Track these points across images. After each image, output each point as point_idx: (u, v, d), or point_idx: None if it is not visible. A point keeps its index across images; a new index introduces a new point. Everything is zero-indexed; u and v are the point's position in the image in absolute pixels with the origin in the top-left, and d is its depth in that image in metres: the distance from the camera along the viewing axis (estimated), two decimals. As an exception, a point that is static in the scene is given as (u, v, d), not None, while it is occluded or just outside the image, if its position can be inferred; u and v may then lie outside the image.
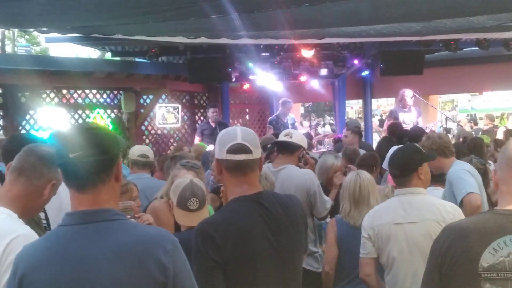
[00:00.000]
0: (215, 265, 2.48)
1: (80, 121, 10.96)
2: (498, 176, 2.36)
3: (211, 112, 11.45)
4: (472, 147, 6.73)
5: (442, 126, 14.54)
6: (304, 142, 5.24)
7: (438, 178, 4.90)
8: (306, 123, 17.78)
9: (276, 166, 5.08)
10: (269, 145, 6.51)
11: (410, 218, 3.56)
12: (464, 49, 11.13)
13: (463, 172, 4.69)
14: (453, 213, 3.55)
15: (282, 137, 5.19)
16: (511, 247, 2.19)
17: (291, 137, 5.12)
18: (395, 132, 8.69)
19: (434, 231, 3.34)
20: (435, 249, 2.37)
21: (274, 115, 11.99)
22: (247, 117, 14.83)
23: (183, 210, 3.56)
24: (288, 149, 5.12)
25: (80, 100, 11.39)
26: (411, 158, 3.78)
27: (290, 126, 11.11)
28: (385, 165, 5.93)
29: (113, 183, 2.06)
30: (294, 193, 4.62)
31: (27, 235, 2.40)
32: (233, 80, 11.45)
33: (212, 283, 2.48)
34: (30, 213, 2.77)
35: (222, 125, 10.75)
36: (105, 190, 2.03)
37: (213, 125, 11.15)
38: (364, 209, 4.27)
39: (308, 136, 9.71)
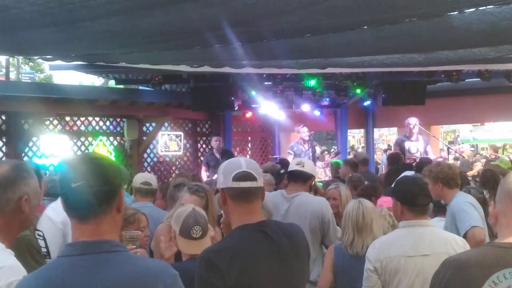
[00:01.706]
0: None
1: (83, 148, 10.98)
2: (497, 209, 2.36)
3: (214, 141, 11.48)
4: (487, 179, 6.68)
5: (455, 154, 14.49)
6: (315, 172, 5.31)
7: (443, 209, 4.90)
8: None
9: (289, 193, 5.13)
10: (282, 171, 6.54)
11: (422, 251, 3.49)
12: (466, 80, 11.18)
13: (466, 205, 4.68)
14: (464, 247, 3.50)
15: (294, 166, 5.23)
16: (510, 280, 2.18)
17: (303, 166, 5.16)
18: (394, 161, 8.71)
19: None
20: (435, 283, 2.36)
21: (295, 141, 12.02)
22: (249, 145, 14.86)
23: (186, 238, 3.54)
24: (301, 178, 5.16)
25: (83, 128, 11.41)
26: (427, 190, 3.78)
27: (309, 154, 11.15)
28: (389, 193, 5.92)
29: (115, 214, 2.05)
30: (310, 219, 4.77)
31: (12, 266, 2.34)
32: (236, 108, 11.49)
33: None
34: (17, 233, 2.68)
35: (227, 153, 10.79)
36: (107, 221, 2.01)
37: (217, 155, 11.16)
38: (367, 237, 4.23)
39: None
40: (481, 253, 2.32)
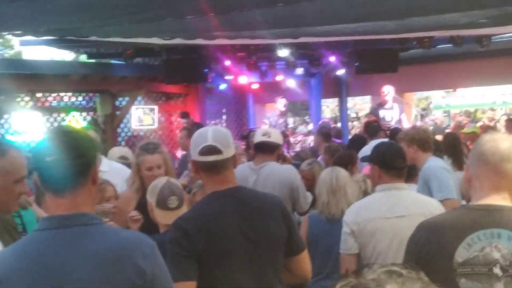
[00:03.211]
0: (188, 254, 2.59)
1: (56, 124, 10.87)
2: (471, 171, 2.41)
3: (183, 123, 11.42)
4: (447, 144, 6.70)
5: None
6: (281, 141, 5.32)
7: (409, 174, 4.95)
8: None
9: (257, 164, 5.13)
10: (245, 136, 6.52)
11: (398, 212, 3.56)
12: (438, 46, 11.24)
13: (440, 171, 4.73)
14: (439, 209, 3.58)
15: (260, 137, 5.22)
16: (484, 242, 2.23)
17: (269, 136, 5.16)
18: (371, 130, 8.76)
19: None
20: (410, 246, 2.41)
21: (271, 112, 12.05)
22: (224, 117, 14.84)
23: (163, 209, 3.55)
24: (267, 148, 5.17)
25: (55, 103, 11.29)
26: (404, 154, 3.84)
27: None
28: (362, 159, 5.98)
29: (90, 186, 2.05)
30: (279, 188, 4.78)
31: None
32: (210, 80, 11.44)
33: (184, 268, 2.57)
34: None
35: (199, 126, 10.74)
36: (83, 193, 2.01)
37: None
38: (341, 199, 4.33)
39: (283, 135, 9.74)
40: (455, 216, 2.38)
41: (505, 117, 13.75)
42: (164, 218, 3.56)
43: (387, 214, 3.59)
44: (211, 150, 2.71)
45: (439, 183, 4.63)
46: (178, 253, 2.57)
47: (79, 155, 1.98)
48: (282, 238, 2.80)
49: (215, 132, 2.77)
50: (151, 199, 3.64)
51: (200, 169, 2.79)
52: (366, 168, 5.00)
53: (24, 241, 2.06)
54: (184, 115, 11.85)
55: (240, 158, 5.74)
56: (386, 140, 6.70)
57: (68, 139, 1.99)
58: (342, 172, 4.58)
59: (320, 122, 12.14)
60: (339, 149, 7.08)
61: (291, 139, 11.53)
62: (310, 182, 5.59)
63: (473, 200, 2.38)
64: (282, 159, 5.49)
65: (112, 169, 5.03)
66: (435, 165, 4.82)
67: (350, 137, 12.15)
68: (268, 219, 2.77)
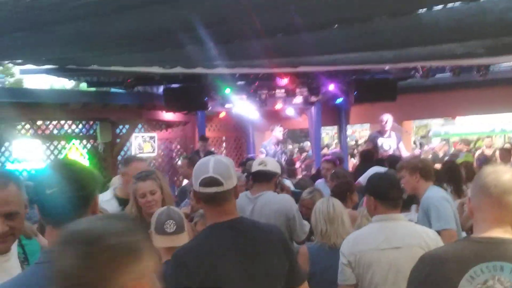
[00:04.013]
0: None
1: (56, 152, 10.88)
2: (473, 203, 2.41)
3: (200, 146, 11.53)
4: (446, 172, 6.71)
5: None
6: (278, 169, 5.30)
7: (407, 204, 4.96)
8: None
9: (254, 193, 5.12)
10: (245, 175, 6.54)
11: (394, 243, 3.57)
12: (437, 75, 11.31)
13: (439, 201, 4.73)
14: (436, 239, 3.60)
15: (256, 167, 5.23)
16: (487, 275, 2.23)
17: (265, 165, 5.16)
18: (368, 158, 8.78)
19: (418, 256, 3.35)
20: (413, 278, 2.41)
21: (267, 140, 12.10)
22: (224, 145, 14.86)
23: (160, 234, 3.56)
24: (264, 177, 5.16)
25: (55, 131, 11.31)
26: (399, 184, 3.86)
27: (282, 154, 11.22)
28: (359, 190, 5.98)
29: None
30: (274, 218, 4.74)
31: None
32: (209, 108, 11.50)
33: None
34: None
35: (199, 155, 10.78)
36: None
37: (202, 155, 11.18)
38: (339, 228, 4.33)
39: (289, 162, 9.77)
40: (458, 248, 2.38)
41: (508, 145, 13.77)
42: (161, 243, 3.55)
43: (383, 245, 3.60)
44: (212, 182, 2.71)
45: (437, 213, 4.63)
46: None
47: (80, 187, 1.99)
48: (283, 270, 2.79)
49: (217, 163, 2.77)
50: (151, 227, 3.65)
51: (201, 200, 2.79)
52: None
53: (25, 274, 2.06)
54: (203, 138, 11.91)
55: (242, 189, 5.75)
56: (381, 168, 6.72)
57: (69, 172, 2.00)
58: (337, 201, 4.62)
59: (331, 151, 12.20)
60: (345, 175, 7.08)
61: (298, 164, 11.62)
62: (311, 211, 5.60)
63: (476, 232, 2.38)
64: (280, 188, 5.48)
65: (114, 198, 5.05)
66: (435, 195, 4.82)
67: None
68: (269, 252, 2.76)
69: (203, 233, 2.84)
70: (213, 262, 2.63)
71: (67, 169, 2.02)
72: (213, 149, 12.97)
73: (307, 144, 19.20)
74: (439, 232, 4.09)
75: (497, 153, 9.65)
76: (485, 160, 8.89)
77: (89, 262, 1.33)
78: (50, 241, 2.03)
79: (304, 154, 14.71)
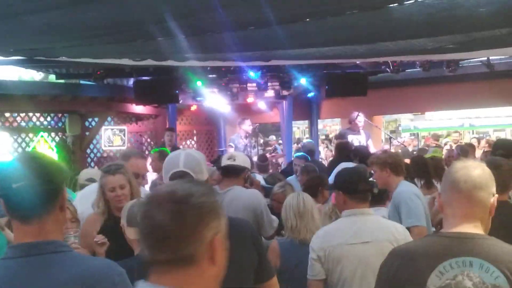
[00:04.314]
0: None
1: (24, 145, 10.73)
2: (443, 199, 2.42)
3: (166, 136, 11.40)
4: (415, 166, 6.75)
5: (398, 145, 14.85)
6: (248, 164, 5.27)
7: (379, 198, 4.97)
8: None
9: (222, 188, 5.09)
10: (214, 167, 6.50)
11: (363, 238, 3.59)
12: (407, 70, 11.40)
13: (410, 197, 4.75)
14: (404, 234, 3.62)
15: (225, 161, 5.20)
16: (456, 270, 2.24)
17: (234, 160, 5.14)
18: (343, 151, 8.81)
19: (387, 251, 3.36)
20: (382, 273, 2.41)
21: (235, 134, 12.06)
22: (195, 138, 14.81)
23: (134, 226, 3.52)
24: (233, 172, 5.13)
25: (23, 124, 11.15)
26: (367, 178, 3.87)
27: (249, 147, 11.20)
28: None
29: (58, 213, 2.01)
30: (242, 213, 4.67)
31: None
32: (180, 101, 11.43)
33: None
34: None
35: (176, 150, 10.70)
36: (50, 220, 1.97)
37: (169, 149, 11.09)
38: (309, 223, 4.33)
39: (262, 158, 9.75)
40: (428, 243, 2.38)
41: (475, 140, 13.89)
42: (135, 235, 3.51)
43: (352, 240, 3.61)
44: (181, 176, 2.69)
45: (408, 210, 4.66)
46: None
47: (47, 181, 1.94)
48: (252, 265, 2.78)
49: (187, 157, 2.74)
50: (123, 220, 3.61)
51: None
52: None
53: None
54: (170, 129, 11.81)
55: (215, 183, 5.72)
56: (350, 164, 6.74)
57: (36, 165, 1.95)
58: (307, 196, 4.63)
59: (303, 143, 12.21)
60: (315, 169, 7.10)
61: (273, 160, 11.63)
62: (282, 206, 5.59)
63: (445, 227, 2.39)
64: (250, 182, 5.45)
65: (82, 193, 4.99)
66: (406, 190, 4.85)
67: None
68: (238, 246, 2.75)
69: None
70: None
71: (34, 162, 1.97)
72: (181, 146, 12.89)
73: (272, 138, 19.24)
74: (409, 229, 4.12)
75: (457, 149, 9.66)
76: (463, 150, 8.96)
77: (180, 218, 1.58)
78: (17, 236, 1.97)
79: (268, 149, 14.71)
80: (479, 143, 16.03)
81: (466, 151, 8.92)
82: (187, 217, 1.59)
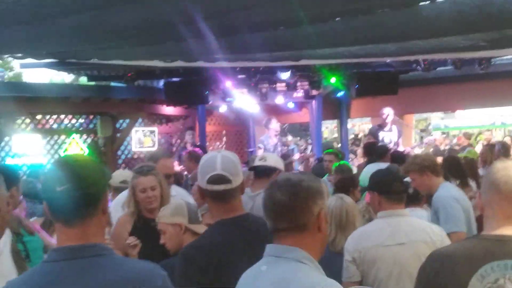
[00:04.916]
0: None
1: (56, 147, 10.86)
2: (483, 200, 2.37)
3: (187, 135, 11.45)
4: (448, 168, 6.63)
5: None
6: (279, 164, 5.22)
7: (414, 198, 4.89)
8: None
9: (254, 190, 5.05)
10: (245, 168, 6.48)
11: (398, 239, 3.55)
12: (438, 68, 11.27)
13: (448, 202, 4.64)
14: (441, 235, 3.57)
15: (257, 162, 5.17)
16: (498, 273, 2.19)
17: (265, 160, 5.11)
18: (371, 152, 8.73)
19: (422, 252, 3.31)
20: (422, 277, 2.36)
21: (264, 135, 12.04)
22: (224, 139, 14.83)
23: (198, 223, 3.61)
24: (264, 173, 5.09)
25: (55, 126, 11.29)
26: (402, 178, 3.82)
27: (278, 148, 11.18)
28: (364, 184, 5.92)
29: (101, 216, 2.01)
30: None
31: None
32: (210, 102, 11.46)
33: None
34: None
35: (201, 148, 10.75)
36: (93, 224, 1.97)
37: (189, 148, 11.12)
38: (350, 233, 4.20)
39: (285, 156, 9.72)
40: (468, 246, 2.33)
41: (508, 138, 13.63)
42: (202, 228, 3.55)
43: (387, 241, 3.57)
44: (220, 179, 2.68)
45: (446, 215, 4.56)
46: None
47: (90, 184, 1.95)
48: None
49: (224, 159, 2.72)
50: (180, 220, 3.61)
51: (207, 196, 2.76)
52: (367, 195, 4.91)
53: (32, 273, 2.01)
54: (191, 127, 11.90)
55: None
56: (382, 164, 6.67)
57: (79, 168, 1.96)
58: (350, 205, 4.35)
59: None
60: (349, 169, 7.04)
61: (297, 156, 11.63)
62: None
63: (486, 229, 2.34)
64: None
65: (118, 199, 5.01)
66: (445, 195, 4.73)
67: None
68: None
69: (210, 230, 2.80)
70: (222, 259, 2.61)
71: (77, 165, 1.97)
72: (211, 147, 12.93)
73: (287, 138, 19.15)
74: (448, 235, 4.04)
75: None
76: (505, 146, 8.79)
77: (295, 196, 2.14)
78: (60, 239, 1.98)
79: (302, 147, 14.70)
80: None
81: (507, 148, 8.73)
82: (300, 196, 2.14)
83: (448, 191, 4.81)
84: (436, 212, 4.67)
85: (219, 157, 2.72)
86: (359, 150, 14.81)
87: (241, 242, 2.68)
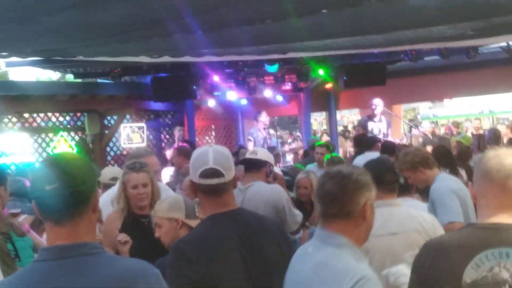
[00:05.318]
0: (190, 281, 2.52)
1: (44, 145, 10.80)
2: (475, 189, 2.37)
3: (177, 131, 11.42)
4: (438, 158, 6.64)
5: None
6: (270, 158, 5.22)
7: (404, 189, 4.89)
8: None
9: (244, 183, 5.05)
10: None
11: (390, 229, 3.55)
12: (425, 58, 11.30)
13: (445, 193, 4.68)
14: (432, 223, 3.57)
15: (248, 155, 5.17)
16: (493, 262, 2.19)
17: (256, 154, 5.10)
18: (361, 143, 8.74)
19: (415, 241, 3.33)
20: (417, 266, 2.37)
21: (253, 127, 12.04)
22: (213, 133, 14.80)
23: (195, 219, 3.56)
24: (254, 166, 5.09)
25: (43, 124, 11.22)
26: (394, 168, 3.83)
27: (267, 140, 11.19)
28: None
29: (91, 215, 1.99)
30: (262, 209, 4.61)
31: None
32: (198, 97, 11.43)
33: None
34: None
35: (190, 144, 10.72)
36: (83, 222, 1.95)
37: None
38: None
39: (272, 150, 9.73)
40: (463, 235, 2.34)
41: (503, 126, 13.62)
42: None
43: (379, 231, 3.56)
44: (213, 173, 2.67)
45: (443, 207, 4.59)
46: (181, 284, 2.51)
47: (80, 183, 1.92)
48: (283, 260, 2.77)
49: (216, 153, 2.71)
50: (177, 215, 3.60)
51: (199, 191, 2.75)
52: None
53: (23, 272, 1.99)
54: (179, 123, 11.88)
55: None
56: (373, 154, 6.67)
57: (67, 167, 1.93)
58: None
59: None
60: (341, 161, 7.05)
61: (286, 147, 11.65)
62: (309, 191, 5.51)
63: (480, 218, 2.35)
64: (273, 177, 5.41)
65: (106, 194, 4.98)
66: (441, 186, 4.76)
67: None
68: (269, 242, 2.74)
69: (202, 224, 2.79)
70: (214, 253, 2.60)
71: (66, 163, 1.95)
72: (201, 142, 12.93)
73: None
74: (445, 226, 4.04)
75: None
76: (496, 134, 8.82)
77: (343, 187, 2.40)
78: (50, 238, 1.95)
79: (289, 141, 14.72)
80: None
81: (498, 136, 8.77)
82: (348, 188, 2.40)
83: (444, 182, 4.83)
84: (433, 203, 4.69)
85: (211, 151, 2.71)
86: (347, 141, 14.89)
87: (234, 236, 2.67)
